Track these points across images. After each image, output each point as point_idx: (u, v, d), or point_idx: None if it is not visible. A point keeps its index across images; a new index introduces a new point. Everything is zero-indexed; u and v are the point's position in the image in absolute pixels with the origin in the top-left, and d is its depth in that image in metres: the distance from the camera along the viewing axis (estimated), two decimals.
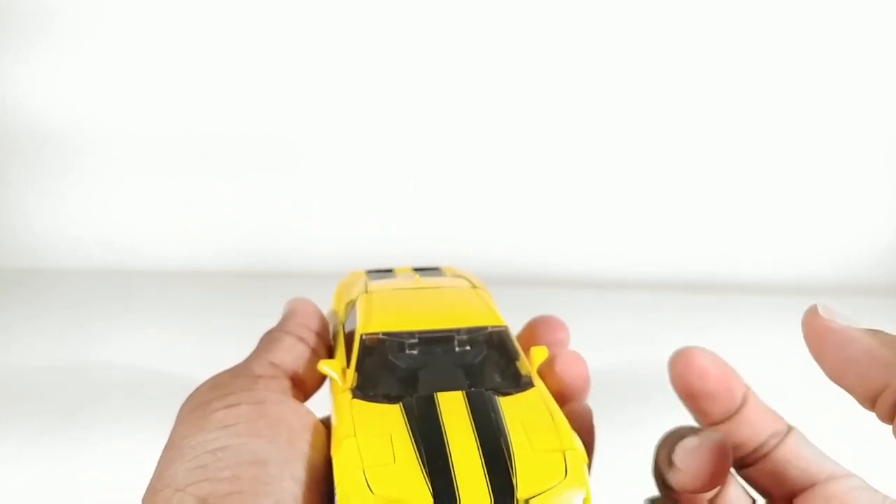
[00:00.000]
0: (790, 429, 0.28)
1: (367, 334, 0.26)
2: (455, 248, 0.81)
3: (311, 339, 0.29)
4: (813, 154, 0.80)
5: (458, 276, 0.33)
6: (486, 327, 0.27)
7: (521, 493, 0.20)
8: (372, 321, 0.27)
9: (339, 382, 0.25)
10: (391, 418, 0.22)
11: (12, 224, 0.85)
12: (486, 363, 0.26)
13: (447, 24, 0.78)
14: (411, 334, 0.26)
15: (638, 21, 0.77)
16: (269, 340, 0.28)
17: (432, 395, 0.23)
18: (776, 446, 0.27)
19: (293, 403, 0.25)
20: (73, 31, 0.79)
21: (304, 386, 0.28)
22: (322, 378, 0.28)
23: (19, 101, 0.81)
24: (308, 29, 0.78)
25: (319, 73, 0.79)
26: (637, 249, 0.83)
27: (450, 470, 0.20)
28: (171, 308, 0.74)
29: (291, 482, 0.22)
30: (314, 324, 0.30)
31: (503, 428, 0.22)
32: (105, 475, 0.46)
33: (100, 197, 0.84)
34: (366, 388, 0.24)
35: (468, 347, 0.26)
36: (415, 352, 0.26)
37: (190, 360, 0.55)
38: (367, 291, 0.30)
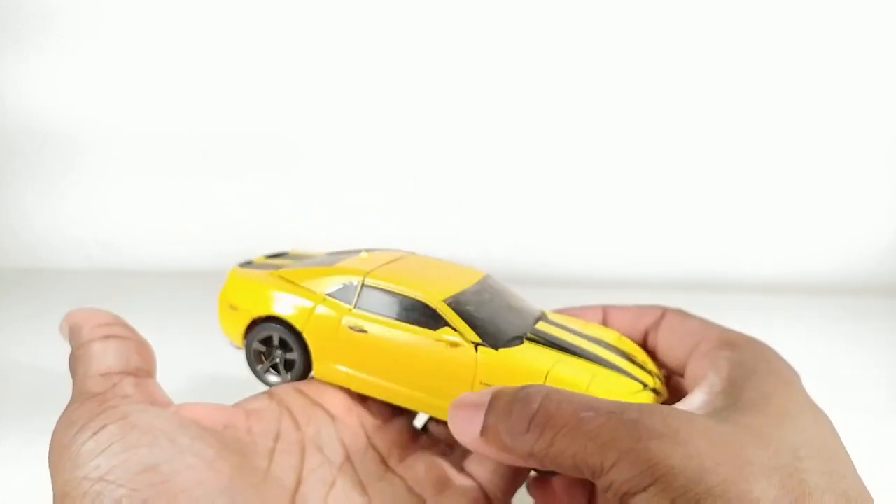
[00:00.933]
0: (664, 313, 0.32)
1: (449, 298, 0.29)
2: (455, 247, 0.81)
3: (114, 329, 0.28)
4: (813, 154, 0.80)
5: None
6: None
7: None
8: (437, 290, 0.30)
9: (462, 343, 0.28)
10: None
11: (12, 224, 0.85)
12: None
13: (449, 27, 0.78)
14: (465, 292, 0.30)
15: (639, 23, 0.77)
16: (78, 361, 0.27)
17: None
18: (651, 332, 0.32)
19: (153, 409, 0.25)
20: (73, 32, 0.79)
21: (148, 371, 0.27)
22: (151, 352, 0.28)
23: (20, 101, 0.81)
24: (309, 30, 0.78)
25: (319, 73, 0.79)
26: (637, 249, 0.83)
27: None
28: (171, 308, 0.74)
29: (189, 469, 0.22)
30: (102, 318, 0.28)
31: None
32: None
33: (100, 197, 0.84)
34: (488, 339, 0.28)
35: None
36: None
37: (190, 360, 0.56)
38: (371, 273, 0.31)
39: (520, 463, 0.24)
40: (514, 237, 0.83)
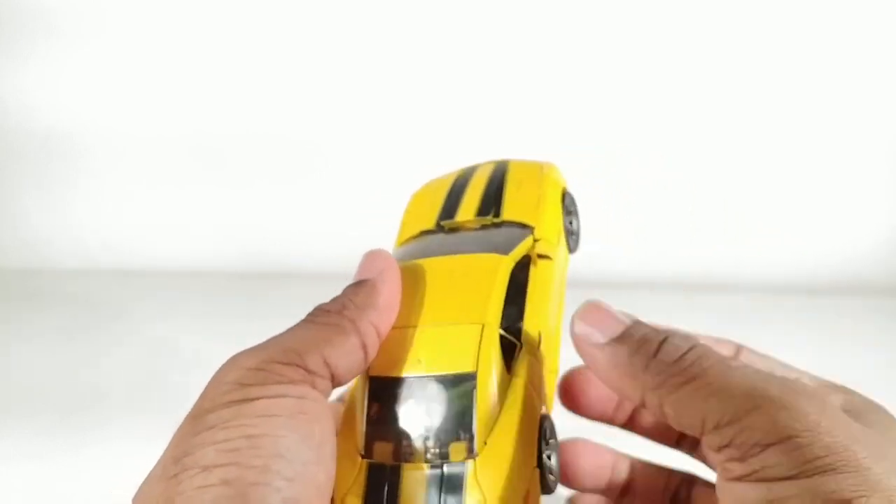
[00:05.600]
0: (739, 349, 0.30)
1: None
2: None
3: (372, 352, 0.25)
4: (813, 154, 0.80)
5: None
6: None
7: None
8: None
9: None
10: None
11: (13, 224, 0.85)
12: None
13: (455, 29, 0.78)
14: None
15: (640, 23, 0.77)
16: (334, 328, 0.24)
17: None
18: None
19: (325, 404, 0.24)
20: (75, 33, 0.79)
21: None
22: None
23: (21, 102, 0.81)
24: (316, 33, 0.78)
25: (324, 75, 0.79)
26: (637, 249, 0.83)
27: None
28: (172, 308, 0.74)
29: (312, 483, 0.22)
30: (387, 327, 0.26)
31: None
32: (104, 475, 0.46)
33: (101, 197, 0.84)
34: None
35: None
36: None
37: (190, 360, 0.56)
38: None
39: (628, 392, 0.23)
40: None
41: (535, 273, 0.29)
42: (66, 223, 0.85)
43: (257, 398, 0.22)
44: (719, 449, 0.21)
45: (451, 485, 0.23)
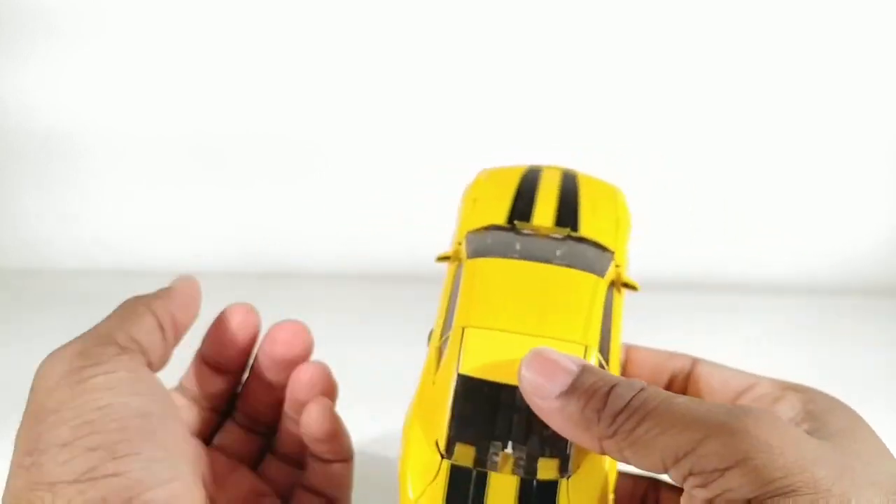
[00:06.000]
0: (694, 362, 0.31)
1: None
2: None
3: (170, 335, 0.30)
4: (813, 154, 0.80)
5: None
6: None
7: None
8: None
9: None
10: None
11: (12, 224, 0.85)
12: None
13: (455, 30, 0.78)
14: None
15: (641, 23, 0.77)
16: (132, 311, 0.28)
17: None
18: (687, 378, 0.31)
19: (155, 375, 0.27)
20: (75, 33, 0.78)
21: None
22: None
23: (21, 102, 0.81)
24: (317, 33, 0.78)
25: (324, 75, 0.79)
26: (637, 249, 0.82)
27: None
28: None
29: (173, 429, 0.24)
30: (184, 318, 0.31)
31: None
32: None
33: (101, 197, 0.84)
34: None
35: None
36: None
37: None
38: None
39: (586, 443, 0.23)
40: None
41: (617, 300, 0.29)
42: (65, 223, 0.85)
43: (93, 376, 0.24)
44: (684, 479, 0.21)
45: (543, 501, 0.23)
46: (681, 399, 0.22)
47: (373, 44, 0.78)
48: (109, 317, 0.28)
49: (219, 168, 0.83)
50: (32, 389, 0.25)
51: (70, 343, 0.26)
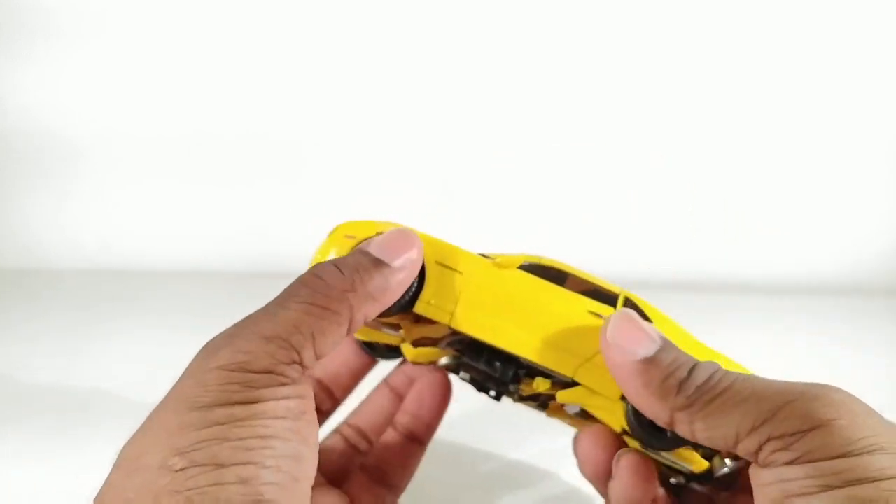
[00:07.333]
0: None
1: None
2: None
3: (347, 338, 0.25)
4: (814, 155, 0.80)
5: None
6: None
7: None
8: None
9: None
10: None
11: (12, 224, 0.85)
12: None
13: (454, 30, 0.78)
14: None
15: (641, 24, 0.77)
16: (329, 317, 0.24)
17: None
18: None
19: (313, 400, 0.24)
20: (75, 33, 0.78)
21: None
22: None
23: (21, 102, 0.81)
24: (316, 33, 0.78)
25: (323, 76, 0.79)
26: (637, 249, 0.83)
27: None
28: (172, 309, 0.74)
29: (309, 483, 0.22)
30: (371, 316, 0.26)
31: None
32: (104, 475, 0.46)
33: (100, 198, 0.84)
34: None
35: None
36: None
37: (189, 361, 0.55)
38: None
39: (656, 412, 0.24)
40: (516, 240, 0.83)
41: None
42: (64, 223, 0.85)
43: (267, 400, 0.22)
44: (759, 448, 0.21)
45: None
46: (756, 377, 0.23)
47: (372, 44, 0.78)
48: (304, 307, 0.24)
49: (219, 168, 0.83)
50: (199, 372, 0.23)
51: (246, 334, 0.23)
